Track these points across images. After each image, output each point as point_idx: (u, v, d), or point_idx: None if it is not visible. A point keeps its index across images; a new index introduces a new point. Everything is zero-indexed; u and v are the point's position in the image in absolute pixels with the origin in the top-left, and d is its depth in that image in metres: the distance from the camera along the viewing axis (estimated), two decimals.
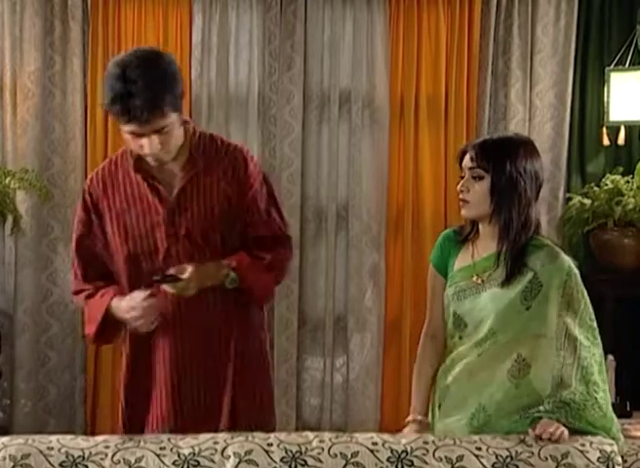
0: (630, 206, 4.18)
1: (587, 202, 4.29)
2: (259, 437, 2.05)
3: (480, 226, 2.39)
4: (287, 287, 4.38)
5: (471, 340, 2.31)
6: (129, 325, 2.50)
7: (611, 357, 3.97)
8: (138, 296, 2.44)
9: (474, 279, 2.34)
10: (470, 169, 2.34)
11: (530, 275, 2.26)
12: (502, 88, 4.54)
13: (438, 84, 4.50)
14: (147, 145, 2.39)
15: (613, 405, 3.79)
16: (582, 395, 2.15)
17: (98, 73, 4.31)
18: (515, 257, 2.28)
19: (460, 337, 2.35)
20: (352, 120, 4.50)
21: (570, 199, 4.41)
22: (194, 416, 2.52)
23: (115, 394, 4.40)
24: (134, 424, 2.56)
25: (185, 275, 2.40)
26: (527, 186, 2.29)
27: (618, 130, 4.39)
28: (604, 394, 2.19)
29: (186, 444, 2.04)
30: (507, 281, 2.27)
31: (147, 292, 2.43)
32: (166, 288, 2.43)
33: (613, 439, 2.13)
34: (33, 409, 4.40)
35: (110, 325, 2.54)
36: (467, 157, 2.35)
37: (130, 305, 2.44)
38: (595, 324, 2.27)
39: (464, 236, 2.42)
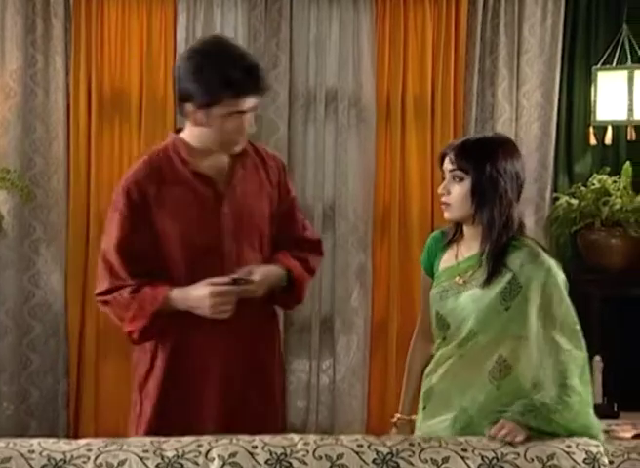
0: (617, 206, 4.20)
1: (574, 202, 4.30)
2: (243, 439, 2.04)
3: (464, 227, 2.40)
4: None
5: (454, 341, 2.32)
6: (202, 313, 2.44)
7: (598, 358, 3.99)
8: (219, 282, 2.42)
9: (457, 279, 2.35)
10: (451, 171, 2.35)
11: (509, 275, 2.27)
12: (489, 87, 4.55)
13: (425, 83, 4.50)
14: (251, 122, 2.48)
15: (599, 405, 3.85)
16: (553, 399, 2.14)
17: (80, 72, 4.31)
18: (496, 258, 2.28)
19: (444, 338, 2.37)
20: (338, 119, 4.50)
21: (557, 199, 4.43)
22: (247, 420, 2.53)
23: (99, 397, 4.42)
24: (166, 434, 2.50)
25: (256, 277, 2.45)
26: (508, 186, 2.29)
27: (605, 129, 4.40)
28: (579, 397, 2.17)
29: (170, 446, 2.03)
30: (487, 281, 2.28)
31: (228, 279, 2.43)
32: (237, 289, 2.44)
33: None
34: (15, 412, 4.37)
35: (159, 318, 2.49)
36: (447, 159, 2.36)
37: (209, 292, 2.41)
38: (578, 326, 2.26)
39: (449, 237, 2.43)
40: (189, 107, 2.45)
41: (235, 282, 2.43)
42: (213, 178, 2.54)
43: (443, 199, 2.36)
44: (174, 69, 2.54)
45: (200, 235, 2.50)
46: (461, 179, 2.32)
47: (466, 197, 2.31)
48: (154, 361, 2.56)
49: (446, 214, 2.38)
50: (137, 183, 2.50)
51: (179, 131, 2.61)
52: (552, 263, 2.29)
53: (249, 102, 2.44)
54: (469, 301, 2.30)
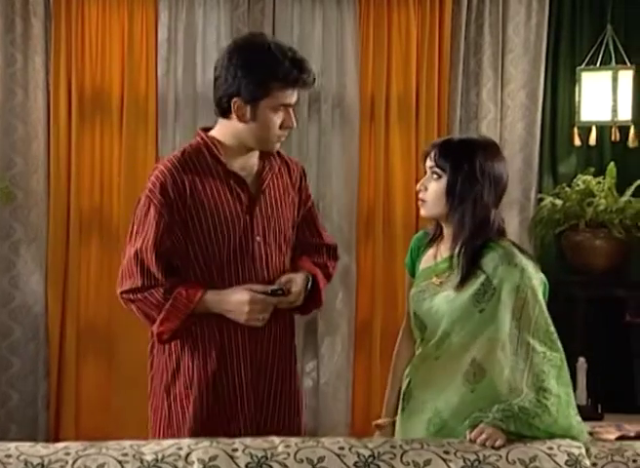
0: (602, 207, 4.21)
1: (559, 203, 4.32)
2: (223, 442, 2.03)
3: (443, 227, 2.41)
4: None
5: (430, 342, 2.33)
6: (235, 318, 2.47)
7: (582, 359, 4.00)
8: (259, 290, 2.46)
9: (434, 280, 2.36)
10: (430, 168, 2.37)
11: (482, 277, 2.27)
12: (474, 87, 4.56)
13: (409, 83, 4.51)
14: (293, 118, 2.51)
15: (583, 407, 3.86)
16: (532, 402, 2.14)
17: (60, 71, 4.29)
18: (469, 260, 2.28)
19: (422, 339, 2.37)
20: (322, 120, 4.50)
21: (541, 200, 4.44)
22: (275, 415, 2.59)
23: (79, 400, 4.40)
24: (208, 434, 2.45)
25: (295, 289, 2.50)
26: (485, 189, 2.29)
27: (589, 130, 4.42)
28: (558, 399, 2.16)
29: (149, 450, 2.02)
30: (461, 283, 2.28)
31: (267, 289, 2.46)
32: (273, 300, 2.49)
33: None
34: None
35: (190, 319, 2.49)
36: (429, 157, 2.38)
37: (249, 299, 2.44)
38: (552, 328, 2.26)
39: (431, 237, 2.44)
40: (237, 103, 2.47)
41: (273, 293, 2.47)
42: (245, 179, 2.55)
43: (420, 195, 2.39)
44: (215, 68, 2.54)
45: (232, 234, 2.51)
46: (439, 177, 2.34)
47: (442, 195, 2.33)
48: (180, 362, 2.55)
49: (422, 211, 2.41)
50: (172, 174, 2.49)
51: (207, 130, 2.61)
52: (528, 265, 2.28)
53: (295, 96, 2.50)
54: (443, 302, 2.30)
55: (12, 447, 2.01)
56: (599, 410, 3.94)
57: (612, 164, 4.35)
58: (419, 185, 2.39)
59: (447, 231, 2.39)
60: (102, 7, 4.34)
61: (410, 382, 2.36)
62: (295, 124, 2.53)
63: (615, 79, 4.30)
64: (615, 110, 4.31)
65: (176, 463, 1.97)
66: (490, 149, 2.35)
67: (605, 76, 4.34)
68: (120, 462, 1.97)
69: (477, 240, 2.29)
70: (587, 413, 3.78)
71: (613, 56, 4.41)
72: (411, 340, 2.47)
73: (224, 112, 2.53)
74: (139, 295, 2.50)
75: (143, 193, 2.53)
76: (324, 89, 4.49)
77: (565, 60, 4.56)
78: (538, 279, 2.29)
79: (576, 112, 4.42)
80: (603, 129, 4.46)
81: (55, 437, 4.30)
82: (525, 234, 4.52)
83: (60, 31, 4.29)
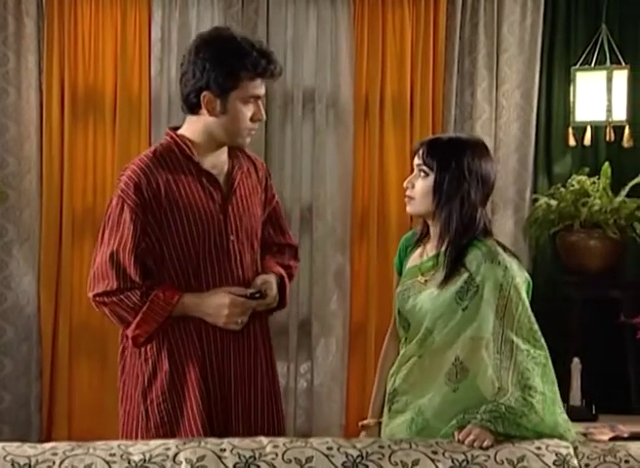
0: (596, 207, 4.22)
1: (554, 203, 4.32)
2: (211, 442, 2.04)
3: (430, 226, 2.43)
4: None
5: (413, 340, 2.34)
6: (214, 321, 2.49)
7: (576, 360, 4.02)
8: (237, 293, 2.48)
9: (419, 278, 2.38)
10: (417, 165, 2.39)
11: (466, 275, 2.28)
12: (469, 87, 4.57)
13: (403, 83, 4.52)
14: (263, 111, 2.55)
15: (577, 408, 3.87)
16: (519, 401, 2.15)
17: (53, 70, 4.30)
18: (455, 258, 2.30)
19: (406, 338, 2.39)
20: (316, 120, 4.51)
21: (536, 200, 4.45)
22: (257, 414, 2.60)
23: (72, 401, 4.40)
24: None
25: (272, 292, 2.55)
26: (472, 188, 2.31)
27: (584, 130, 4.43)
28: (543, 397, 2.18)
29: (137, 450, 2.03)
30: (444, 281, 2.30)
31: (246, 291, 2.49)
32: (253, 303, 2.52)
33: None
34: None
35: (165, 323, 2.50)
36: (417, 154, 2.40)
37: (229, 302, 2.46)
38: (536, 326, 2.28)
39: (419, 236, 2.46)
40: (207, 97, 2.48)
41: (252, 296, 2.50)
42: (217, 178, 2.57)
43: (407, 192, 2.41)
44: (182, 64, 2.54)
45: (208, 233, 2.52)
46: (426, 175, 2.36)
47: (428, 193, 2.34)
48: (157, 366, 2.54)
49: (408, 208, 2.43)
50: (145, 173, 2.48)
51: (175, 129, 2.61)
52: (512, 263, 2.30)
53: (263, 87, 2.53)
54: (427, 300, 2.32)
55: None
56: (593, 411, 3.95)
57: (606, 164, 4.36)
58: (406, 182, 2.41)
59: (433, 229, 2.41)
60: (95, 6, 4.34)
61: (394, 382, 2.37)
62: (264, 117, 2.56)
63: (609, 79, 4.31)
64: (609, 110, 4.32)
65: (163, 463, 1.98)
66: (478, 148, 2.36)
67: (600, 76, 4.35)
68: (107, 462, 1.97)
69: (463, 239, 2.31)
70: (582, 414, 3.81)
71: (607, 55, 4.42)
72: (397, 341, 2.49)
73: (193, 108, 2.53)
74: (114, 298, 2.49)
75: (115, 194, 2.53)
76: (318, 88, 4.50)
77: (560, 60, 4.56)
78: (521, 277, 2.31)
79: (570, 112, 4.42)
80: (598, 129, 4.46)
81: (47, 438, 4.29)
82: (520, 234, 4.53)
83: (53, 30, 4.29)
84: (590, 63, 4.43)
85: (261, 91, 2.53)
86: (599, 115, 4.35)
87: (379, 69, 4.50)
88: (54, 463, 1.97)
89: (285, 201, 4.51)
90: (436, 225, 2.38)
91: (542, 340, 2.27)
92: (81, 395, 4.43)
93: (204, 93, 2.48)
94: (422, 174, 2.36)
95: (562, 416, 2.20)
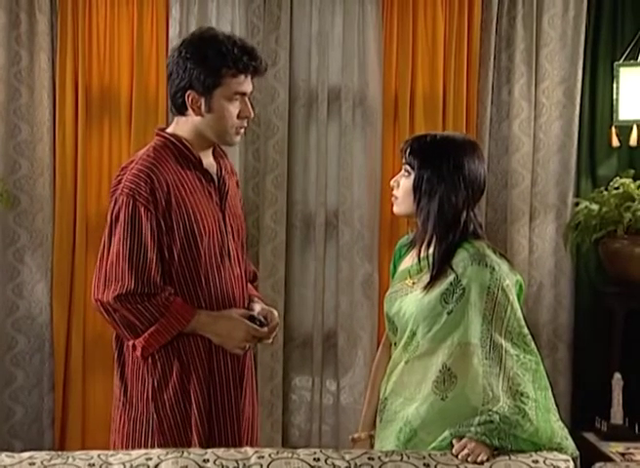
0: None
1: (595, 207, 4.27)
2: (194, 453, 2.07)
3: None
4: (271, 299, 4.36)
5: (400, 345, 2.34)
6: (222, 342, 2.62)
7: (618, 375, 3.97)
8: (245, 319, 2.64)
9: (407, 281, 2.40)
10: (403, 164, 2.41)
11: (451, 277, 2.29)
12: (506, 84, 4.55)
13: (435, 81, 4.51)
14: (250, 108, 2.66)
15: (618, 427, 3.82)
16: (511, 409, 2.14)
17: (67, 69, 4.36)
18: (441, 260, 2.30)
19: (395, 344, 2.39)
20: (342, 120, 4.52)
21: (578, 204, 4.40)
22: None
23: (86, 414, 4.45)
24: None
25: (275, 321, 2.74)
26: (454, 188, 2.31)
27: (629, 129, 4.37)
28: (536, 403, 2.17)
29: (117, 460, 2.06)
30: (430, 283, 2.31)
31: (259, 318, 2.67)
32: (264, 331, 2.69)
33: (557, 451, 2.12)
34: None
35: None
36: (403, 152, 2.41)
37: (245, 329, 2.62)
38: (526, 330, 2.28)
39: (412, 238, 2.47)
40: (191, 96, 2.60)
41: (261, 325, 2.67)
42: (213, 177, 2.69)
43: (393, 192, 2.42)
44: (168, 64, 2.68)
45: (211, 232, 2.63)
46: (409, 174, 2.38)
47: (409, 193, 2.37)
48: (166, 367, 2.63)
49: (394, 208, 2.43)
50: (153, 172, 2.57)
51: (162, 130, 2.73)
52: (501, 265, 2.30)
53: (248, 84, 2.63)
54: (412, 302, 2.33)
55: None
56: (636, 430, 3.89)
57: None
58: (392, 182, 2.43)
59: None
60: (111, 1, 4.40)
61: (385, 391, 2.39)
62: (252, 113, 2.66)
63: None
64: None
65: None
66: (465, 148, 2.37)
67: None
68: None
69: (445, 241, 2.31)
70: (623, 433, 3.78)
71: None
72: (389, 348, 2.49)
73: (180, 108, 2.65)
74: (129, 305, 2.55)
75: (121, 193, 2.60)
76: (344, 87, 4.50)
77: (605, 55, 4.51)
78: (511, 279, 2.30)
79: (614, 110, 4.37)
80: None
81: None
82: (562, 241, 4.48)
83: (67, 27, 4.35)
84: (636, 58, 4.38)
85: (247, 87, 2.64)
86: None
87: (409, 66, 4.50)
88: None
89: (309, 206, 4.55)
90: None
91: (533, 345, 2.26)
92: (95, 408, 4.47)
93: (188, 92, 2.60)
94: (406, 173, 2.38)
95: (558, 424, 2.19)
